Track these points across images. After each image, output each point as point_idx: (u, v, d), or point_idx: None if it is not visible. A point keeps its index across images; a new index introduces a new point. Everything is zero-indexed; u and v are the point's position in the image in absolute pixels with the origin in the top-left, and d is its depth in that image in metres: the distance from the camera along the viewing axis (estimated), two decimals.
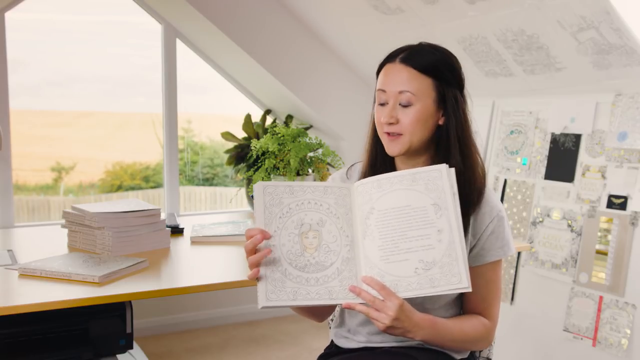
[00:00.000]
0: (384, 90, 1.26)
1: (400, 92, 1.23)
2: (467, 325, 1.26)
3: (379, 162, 1.34)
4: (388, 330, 1.12)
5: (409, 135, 1.24)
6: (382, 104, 1.27)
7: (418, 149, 1.28)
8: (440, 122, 1.27)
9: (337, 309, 1.43)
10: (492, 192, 1.32)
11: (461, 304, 1.34)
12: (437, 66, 1.25)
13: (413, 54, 1.26)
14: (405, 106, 1.24)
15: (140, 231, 2.02)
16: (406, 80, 1.23)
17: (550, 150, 2.42)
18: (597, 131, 2.25)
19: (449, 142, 1.26)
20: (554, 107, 2.42)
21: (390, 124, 1.24)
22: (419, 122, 1.24)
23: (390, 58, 1.29)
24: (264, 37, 2.94)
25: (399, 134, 1.25)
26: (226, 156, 3.17)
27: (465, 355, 1.34)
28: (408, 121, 1.23)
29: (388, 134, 1.26)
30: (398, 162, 1.34)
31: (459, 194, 1.20)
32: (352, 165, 1.44)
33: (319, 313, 1.41)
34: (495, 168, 2.66)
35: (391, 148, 1.27)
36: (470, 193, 1.26)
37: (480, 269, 1.29)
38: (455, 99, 1.26)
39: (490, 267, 1.29)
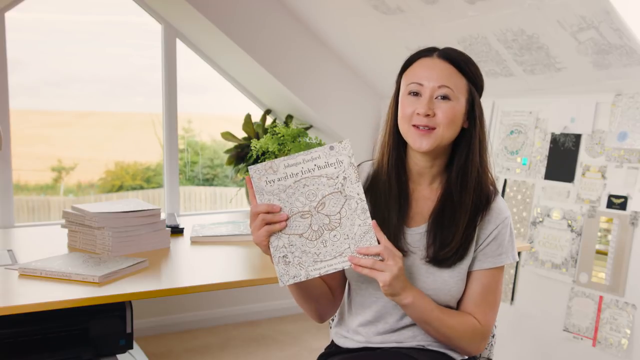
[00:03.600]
0: (420, 84, 1.23)
1: (440, 87, 1.22)
2: (453, 316, 1.25)
3: (399, 161, 1.31)
4: (390, 289, 1.14)
5: (443, 130, 1.22)
6: (414, 95, 1.24)
7: (443, 149, 1.27)
8: (465, 126, 1.27)
9: (339, 309, 1.43)
10: (501, 199, 1.31)
11: None
12: (471, 69, 1.26)
13: (451, 52, 1.26)
14: (443, 99, 1.22)
15: (140, 231, 2.02)
16: (447, 76, 1.23)
17: (550, 150, 2.42)
18: (597, 131, 2.25)
19: (472, 146, 1.26)
20: (554, 107, 2.42)
21: (427, 115, 1.21)
22: (455, 118, 1.23)
23: (425, 53, 1.27)
24: (264, 37, 2.94)
25: (432, 128, 1.22)
26: (226, 156, 3.17)
27: (466, 356, 1.34)
28: (444, 115, 1.21)
29: (417, 127, 1.23)
30: (417, 160, 1.30)
31: (474, 198, 1.24)
32: (359, 165, 1.42)
33: (322, 307, 1.37)
34: (495, 168, 2.66)
35: (419, 142, 1.23)
36: (480, 198, 1.27)
37: (477, 274, 1.27)
38: (479, 104, 1.28)
39: (488, 273, 1.27)
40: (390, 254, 1.12)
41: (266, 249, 1.16)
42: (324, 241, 1.14)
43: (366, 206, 1.13)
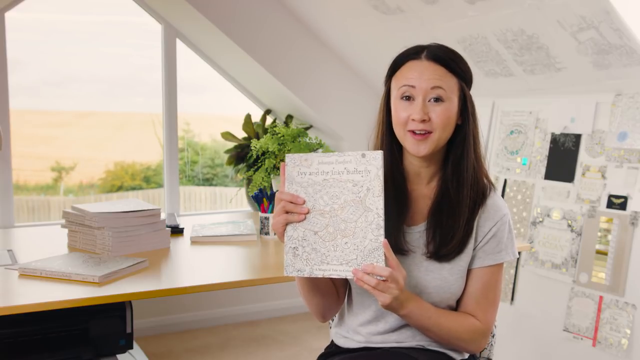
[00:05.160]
0: (412, 86, 1.22)
1: (433, 88, 1.21)
2: (452, 319, 1.25)
3: (395, 163, 1.30)
4: (387, 307, 1.14)
5: (439, 133, 1.22)
6: (406, 99, 1.23)
7: (439, 148, 1.27)
8: (459, 122, 1.27)
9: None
10: (498, 195, 1.31)
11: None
12: (460, 66, 1.25)
13: (438, 52, 1.24)
14: (436, 101, 1.21)
15: (140, 231, 2.02)
16: (438, 77, 1.22)
17: (550, 150, 2.42)
18: (597, 131, 2.25)
19: (466, 142, 1.26)
20: (554, 107, 2.42)
21: (423, 120, 1.21)
22: (449, 120, 1.23)
23: (412, 55, 1.26)
24: (264, 37, 2.94)
25: (429, 132, 1.22)
26: (226, 156, 3.17)
27: (466, 356, 1.34)
28: (439, 119, 1.21)
29: (414, 132, 1.22)
30: (413, 161, 1.30)
31: (471, 193, 1.24)
32: None
33: (327, 304, 1.37)
34: (495, 168, 2.66)
35: (417, 148, 1.22)
36: (476, 194, 1.27)
37: (477, 271, 1.28)
38: (471, 100, 1.28)
39: (488, 271, 1.28)
40: (394, 279, 1.11)
41: (281, 236, 1.17)
42: (335, 245, 1.14)
43: (382, 223, 1.12)
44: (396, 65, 1.28)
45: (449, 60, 1.24)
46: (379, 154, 1.13)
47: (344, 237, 1.14)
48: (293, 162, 1.17)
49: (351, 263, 1.13)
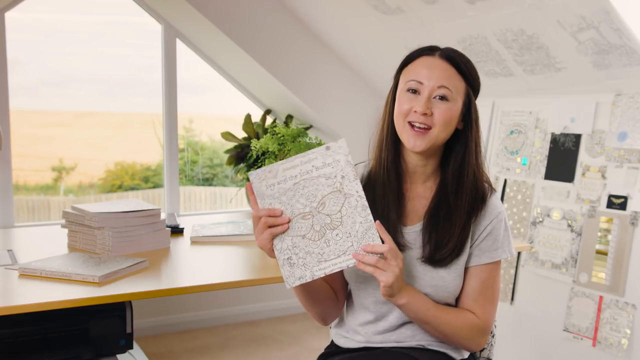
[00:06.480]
0: (420, 82, 1.23)
1: (440, 87, 1.22)
2: (450, 313, 1.25)
3: (397, 156, 1.31)
4: (389, 290, 1.14)
5: (438, 130, 1.23)
6: (412, 92, 1.24)
7: (436, 149, 1.27)
8: (459, 127, 1.27)
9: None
10: (497, 196, 1.31)
11: None
12: (470, 71, 1.26)
13: (452, 53, 1.26)
14: (441, 99, 1.22)
15: (140, 231, 2.02)
16: (447, 76, 1.23)
17: (550, 150, 2.42)
18: (597, 131, 2.25)
19: (468, 148, 1.27)
20: (554, 107, 2.42)
21: (424, 114, 1.21)
22: (451, 120, 1.24)
23: (427, 51, 1.27)
24: (264, 37, 2.94)
25: (428, 128, 1.22)
26: (226, 156, 3.17)
27: (466, 356, 1.34)
28: (441, 116, 1.22)
29: (412, 126, 1.23)
30: (410, 158, 1.30)
31: (470, 199, 1.24)
32: (355, 165, 1.43)
33: (327, 309, 1.37)
34: (495, 168, 2.66)
35: (413, 142, 1.23)
36: (476, 199, 1.27)
37: (474, 269, 1.28)
38: (475, 107, 1.28)
39: (485, 268, 1.28)
40: (394, 255, 1.13)
41: (271, 252, 1.17)
42: (326, 241, 1.14)
43: (366, 203, 1.14)
44: (408, 60, 1.29)
45: (461, 62, 1.25)
46: (343, 142, 1.15)
47: (333, 230, 1.14)
48: (258, 178, 1.17)
49: (348, 251, 1.14)
